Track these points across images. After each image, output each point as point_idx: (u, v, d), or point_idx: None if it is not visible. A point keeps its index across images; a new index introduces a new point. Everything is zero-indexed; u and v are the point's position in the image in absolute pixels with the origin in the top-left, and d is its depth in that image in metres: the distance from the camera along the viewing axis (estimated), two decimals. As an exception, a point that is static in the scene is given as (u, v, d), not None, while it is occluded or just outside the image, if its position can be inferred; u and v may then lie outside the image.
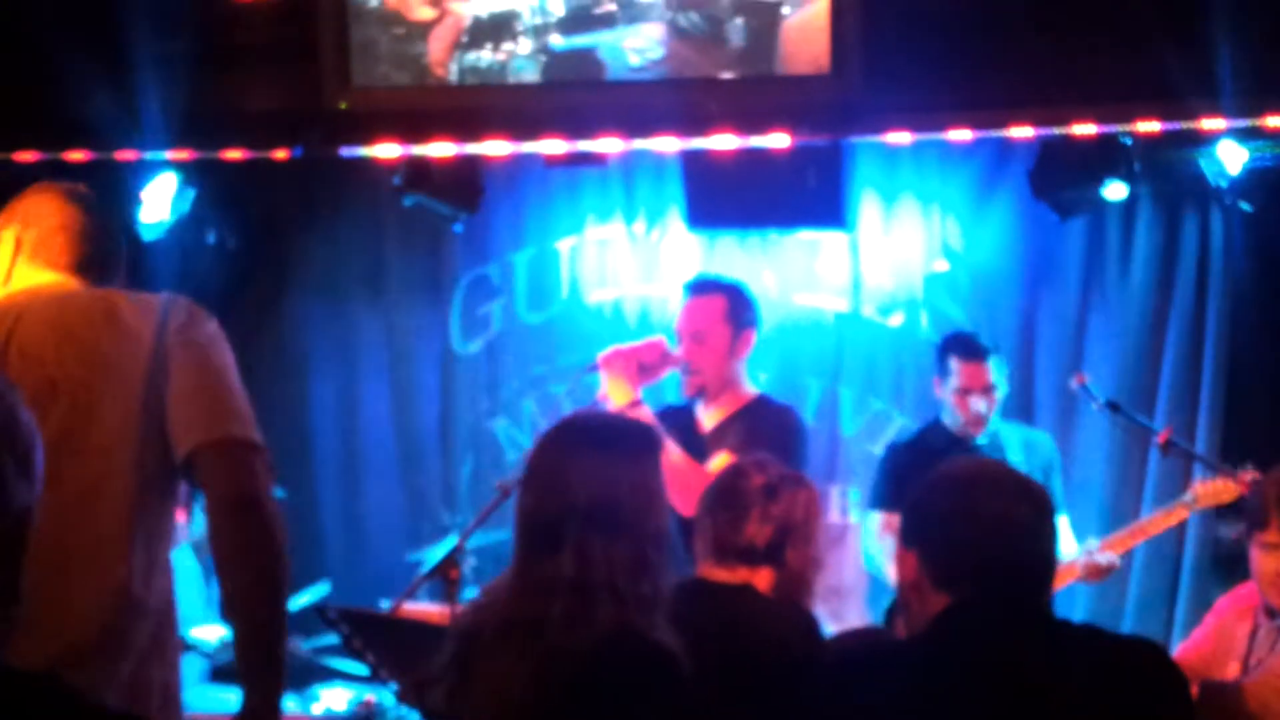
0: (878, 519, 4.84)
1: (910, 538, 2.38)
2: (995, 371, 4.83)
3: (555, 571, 2.62)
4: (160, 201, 5.58)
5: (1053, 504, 2.39)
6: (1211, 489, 4.71)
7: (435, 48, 4.85)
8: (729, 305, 4.51)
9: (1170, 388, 5.58)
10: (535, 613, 2.60)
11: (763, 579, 3.21)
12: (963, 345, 4.90)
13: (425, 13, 4.85)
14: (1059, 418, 5.63)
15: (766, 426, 4.38)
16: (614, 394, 4.43)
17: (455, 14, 4.84)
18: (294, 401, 6.28)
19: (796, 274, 5.91)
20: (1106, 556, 4.69)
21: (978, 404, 4.79)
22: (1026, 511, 2.30)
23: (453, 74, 4.87)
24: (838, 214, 5.70)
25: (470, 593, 4.60)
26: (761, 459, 3.49)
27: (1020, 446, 4.91)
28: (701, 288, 4.57)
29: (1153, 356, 5.63)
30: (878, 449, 5.84)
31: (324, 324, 6.30)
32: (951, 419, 4.85)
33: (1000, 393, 4.84)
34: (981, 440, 4.84)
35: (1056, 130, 4.94)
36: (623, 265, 6.04)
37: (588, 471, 2.74)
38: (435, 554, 5.38)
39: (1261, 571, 3.42)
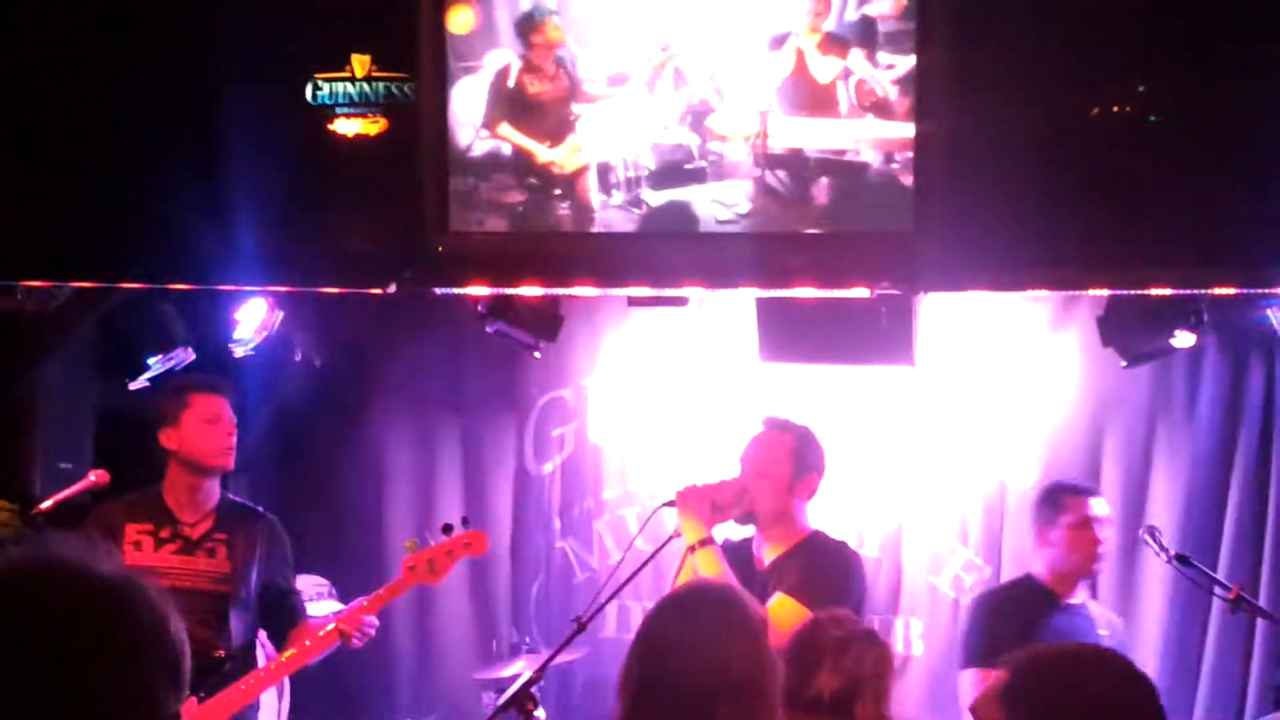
0: (971, 676, 4.82)
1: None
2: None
3: None
4: (250, 323, 5.76)
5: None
6: None
7: (530, 199, 5.02)
8: (796, 445, 4.65)
9: (1235, 538, 5.65)
10: None
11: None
12: (1071, 485, 5.05)
13: (525, 165, 5.02)
14: (1122, 562, 5.71)
15: (821, 564, 4.51)
16: (687, 531, 4.57)
17: (553, 168, 5.00)
18: (370, 513, 6.44)
19: (861, 410, 6.02)
20: None
21: (1105, 532, 4.91)
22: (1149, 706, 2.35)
23: (546, 221, 5.03)
24: (907, 352, 5.81)
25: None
26: (838, 614, 3.61)
27: (1102, 621, 5.00)
28: (773, 424, 4.72)
29: (1217, 504, 5.71)
30: (940, 582, 5.94)
31: (402, 439, 6.46)
32: (1066, 562, 4.90)
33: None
34: (1075, 599, 4.92)
35: (1132, 292, 5.05)
36: (695, 396, 6.17)
37: (698, 646, 2.86)
38: (503, 674, 5.52)
39: None
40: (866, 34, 4.72)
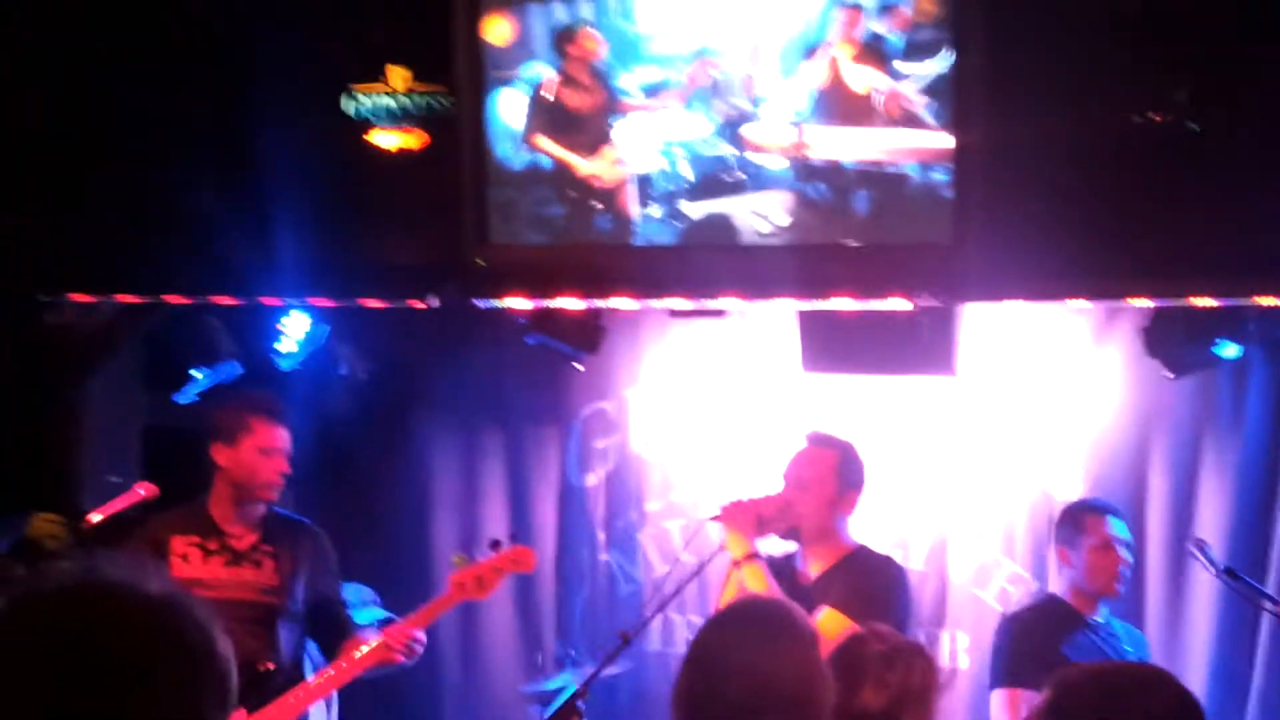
0: (1001, 696, 4.81)
1: None
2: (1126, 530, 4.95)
3: None
4: (295, 336, 5.81)
5: None
6: None
7: (569, 211, 5.04)
8: (840, 461, 4.65)
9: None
10: None
11: (879, 746, 3.29)
12: (1094, 504, 5.01)
13: (564, 178, 5.04)
14: (1169, 576, 5.66)
15: (869, 579, 4.50)
16: (733, 546, 4.57)
17: (592, 180, 5.03)
18: (414, 526, 6.46)
19: (904, 421, 6.00)
20: None
21: (1126, 555, 4.87)
22: None
23: (586, 234, 5.05)
24: (948, 363, 5.79)
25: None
26: (881, 629, 3.59)
27: (1126, 637, 4.96)
28: (817, 440, 4.72)
29: (1265, 517, 5.65)
30: (986, 595, 5.91)
31: (446, 452, 6.48)
32: (1088, 583, 4.88)
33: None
34: (1099, 618, 4.89)
35: (1174, 302, 5.01)
36: (738, 407, 6.17)
37: (751, 661, 2.86)
38: (548, 687, 5.52)
39: None
40: (900, 43, 4.71)
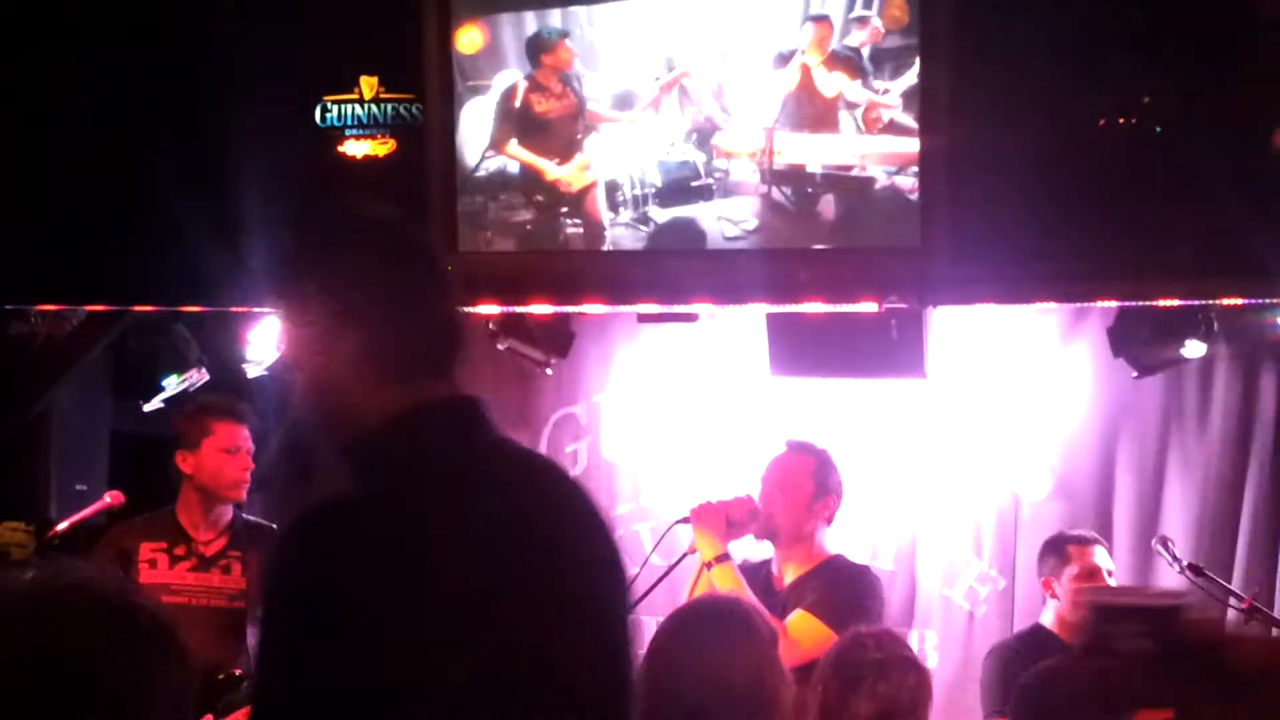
0: None
1: None
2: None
3: None
4: (264, 344, 5.79)
5: None
6: None
7: (538, 217, 5.04)
8: (817, 466, 4.71)
9: (1249, 548, 5.63)
10: None
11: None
12: (1076, 535, 5.08)
13: (533, 183, 5.05)
14: (1135, 573, 5.70)
15: (843, 584, 4.56)
16: (703, 547, 4.61)
17: (561, 185, 5.03)
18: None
19: (873, 423, 6.03)
20: None
21: (1111, 582, 4.94)
22: None
23: (554, 240, 5.05)
24: (918, 365, 5.81)
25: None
26: (880, 633, 3.61)
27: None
28: (794, 446, 4.77)
29: (1231, 515, 5.69)
30: (955, 594, 5.94)
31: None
32: (1073, 613, 4.92)
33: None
34: None
35: (1140, 303, 5.05)
36: (707, 411, 6.18)
37: (706, 659, 2.87)
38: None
39: None
40: (869, 52, 4.73)
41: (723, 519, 4.63)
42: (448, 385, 2.11)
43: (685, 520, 4.71)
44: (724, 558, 4.56)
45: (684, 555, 4.73)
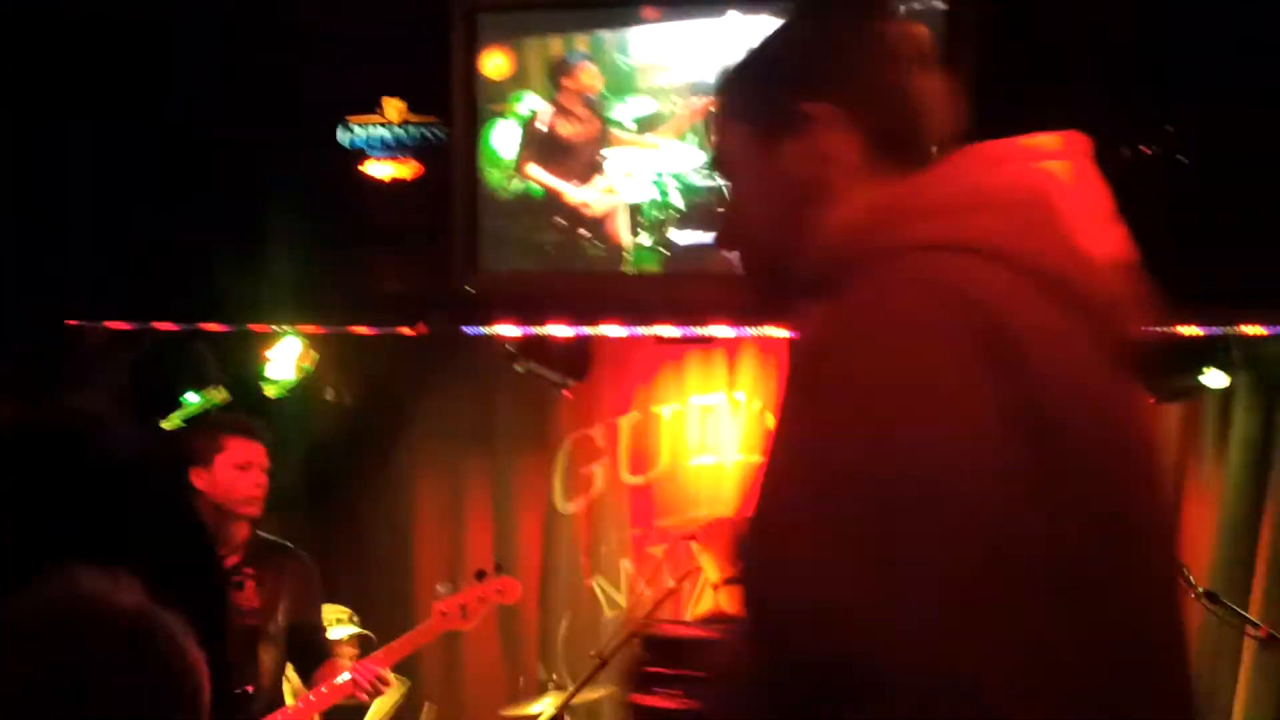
0: None
1: None
2: None
3: None
4: (284, 363, 5.80)
5: None
6: None
7: (559, 239, 5.06)
8: None
9: (1267, 577, 5.61)
10: None
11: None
12: None
13: (555, 205, 5.06)
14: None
15: None
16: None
17: (583, 207, 5.04)
18: (399, 553, 6.46)
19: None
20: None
21: None
22: None
23: (576, 261, 5.06)
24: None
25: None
26: None
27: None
28: None
29: (1248, 544, 5.67)
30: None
31: (432, 479, 6.48)
32: None
33: None
34: None
35: (1161, 330, 5.04)
36: (723, 432, 6.19)
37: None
38: (530, 711, 5.52)
39: None
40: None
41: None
42: None
43: (692, 537, 4.68)
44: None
45: (687, 574, 4.72)
